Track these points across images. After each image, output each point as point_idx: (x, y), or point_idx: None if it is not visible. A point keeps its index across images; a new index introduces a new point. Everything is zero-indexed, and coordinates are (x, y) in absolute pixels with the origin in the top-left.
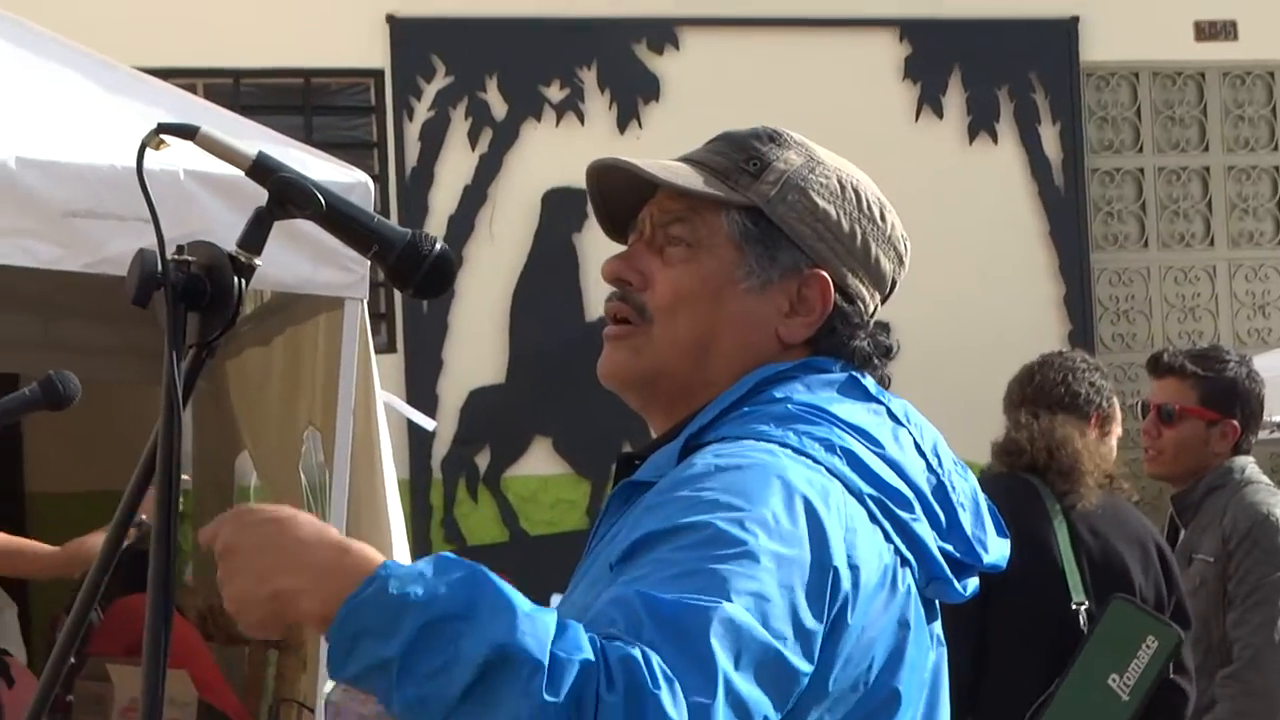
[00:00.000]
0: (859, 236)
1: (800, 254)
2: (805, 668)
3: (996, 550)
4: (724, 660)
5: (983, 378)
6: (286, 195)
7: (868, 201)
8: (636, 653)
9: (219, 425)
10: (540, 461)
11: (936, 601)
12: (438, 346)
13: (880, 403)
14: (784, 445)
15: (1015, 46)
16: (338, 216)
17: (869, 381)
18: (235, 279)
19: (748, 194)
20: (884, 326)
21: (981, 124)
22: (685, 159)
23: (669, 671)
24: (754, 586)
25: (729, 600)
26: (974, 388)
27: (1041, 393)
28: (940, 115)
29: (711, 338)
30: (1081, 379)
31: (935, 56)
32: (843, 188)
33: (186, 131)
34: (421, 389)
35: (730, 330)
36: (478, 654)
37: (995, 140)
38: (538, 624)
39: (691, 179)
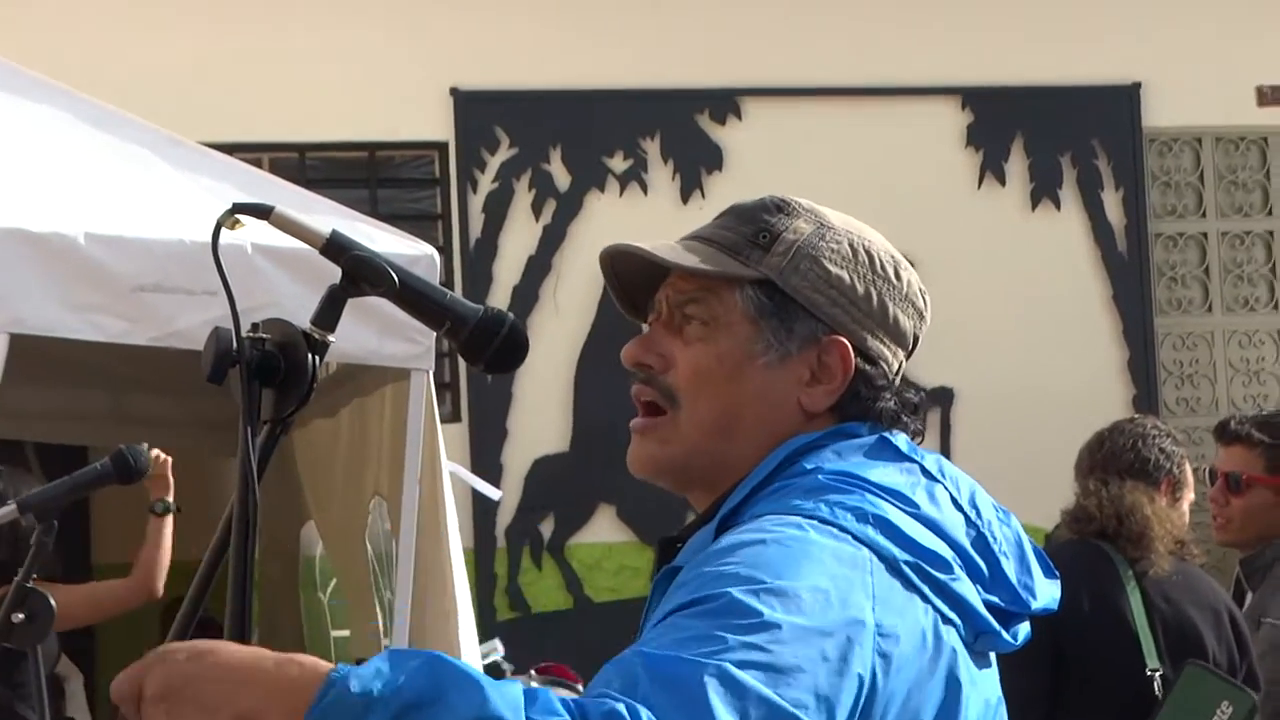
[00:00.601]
0: (875, 298)
1: (817, 322)
2: None
3: (1046, 593)
4: (724, 714)
5: (1048, 443)
6: (360, 273)
7: (881, 261)
8: (621, 707)
9: (285, 496)
10: (604, 529)
11: (992, 654)
12: (502, 415)
13: (913, 461)
14: (812, 517)
15: (1077, 112)
16: (411, 294)
17: (900, 440)
18: (310, 356)
19: (760, 268)
20: (910, 384)
21: (1044, 190)
22: (695, 236)
23: None
24: (764, 658)
25: (734, 664)
26: (1040, 453)
27: (1111, 459)
28: (1003, 182)
29: (736, 415)
30: (1151, 445)
31: (997, 123)
32: (854, 251)
33: (261, 211)
34: (486, 458)
35: (754, 406)
36: None
37: (1058, 206)
38: (506, 694)
39: (704, 258)
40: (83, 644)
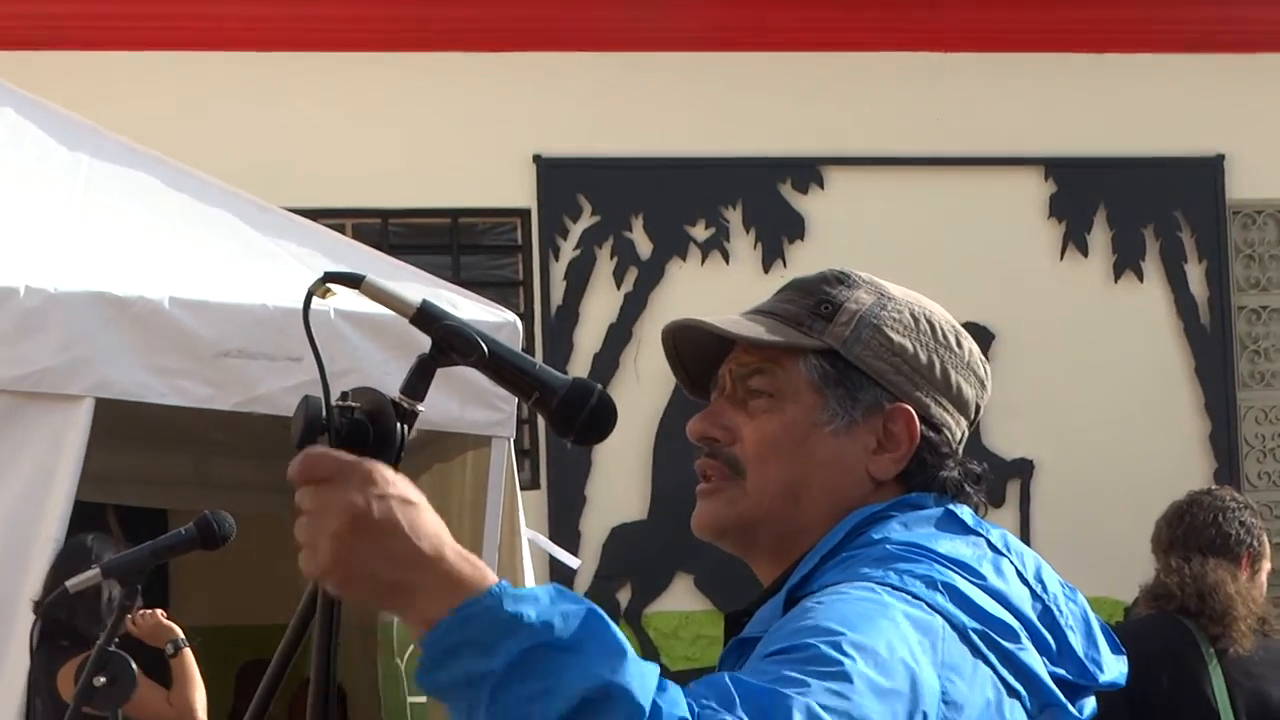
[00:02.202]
0: (938, 366)
1: (881, 390)
2: None
3: (1113, 668)
4: None
5: (1128, 516)
6: (450, 343)
7: (942, 330)
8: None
9: None
10: (682, 598)
11: None
12: (581, 483)
13: (979, 534)
14: (884, 584)
15: (1161, 184)
16: (500, 364)
17: (966, 513)
18: (399, 425)
19: (823, 338)
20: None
21: (1127, 262)
22: (758, 310)
23: None
24: (843, 705)
25: (818, 705)
26: (1120, 526)
27: (1192, 533)
28: (1085, 253)
29: (803, 483)
30: (1232, 519)
31: (1080, 194)
32: (916, 320)
33: (352, 280)
34: (565, 525)
35: (821, 474)
36: (580, 687)
37: (1141, 278)
38: (644, 673)
39: (766, 330)
40: None
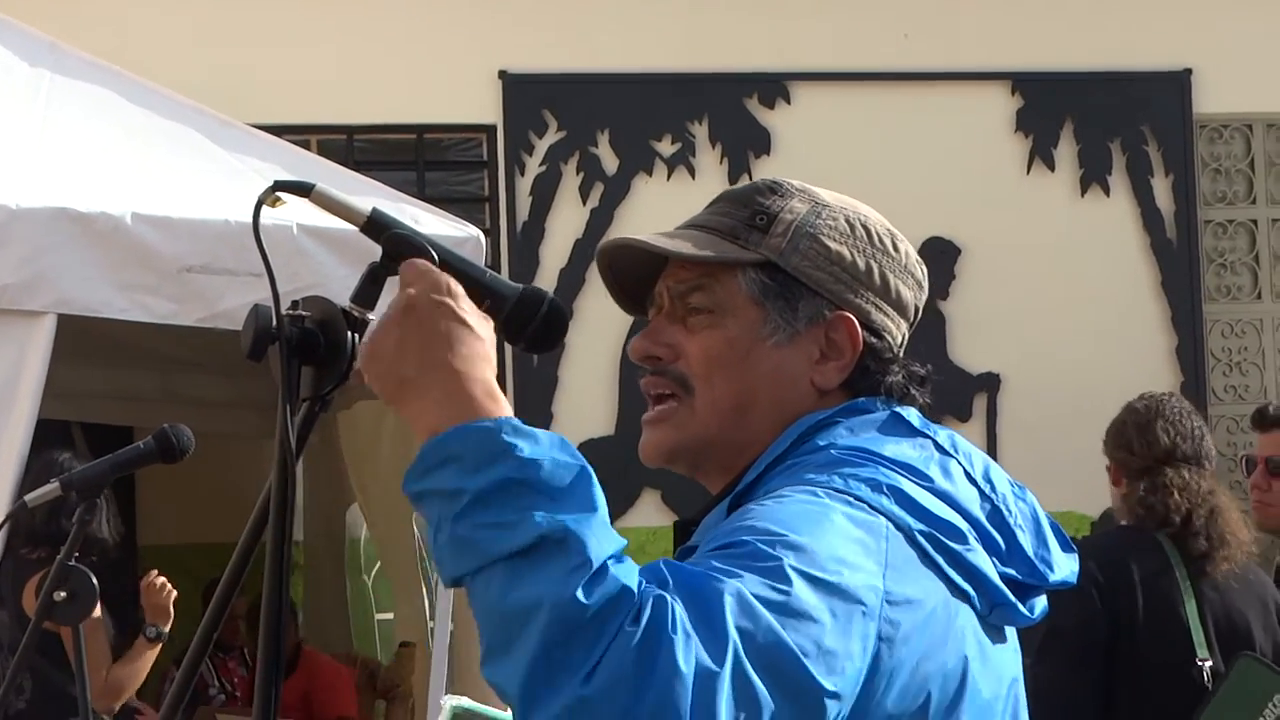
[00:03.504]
0: (876, 271)
1: (821, 300)
2: (829, 688)
3: (1064, 567)
4: (735, 636)
5: (1094, 430)
6: (400, 251)
7: (878, 234)
8: (668, 598)
9: (330, 478)
10: (650, 513)
11: (1012, 630)
12: (548, 399)
13: (926, 435)
14: (827, 488)
15: (1127, 99)
16: (451, 271)
17: (913, 415)
18: (349, 334)
19: (760, 250)
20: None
21: (1093, 176)
22: (690, 224)
23: (688, 626)
24: (779, 599)
25: (750, 593)
26: (1085, 439)
27: (1178, 445)
28: (1052, 168)
29: (749, 398)
30: (1204, 429)
31: (1047, 109)
32: (851, 226)
33: (302, 189)
34: None
35: (766, 387)
36: (541, 526)
37: (1107, 192)
38: (607, 536)
39: (701, 245)
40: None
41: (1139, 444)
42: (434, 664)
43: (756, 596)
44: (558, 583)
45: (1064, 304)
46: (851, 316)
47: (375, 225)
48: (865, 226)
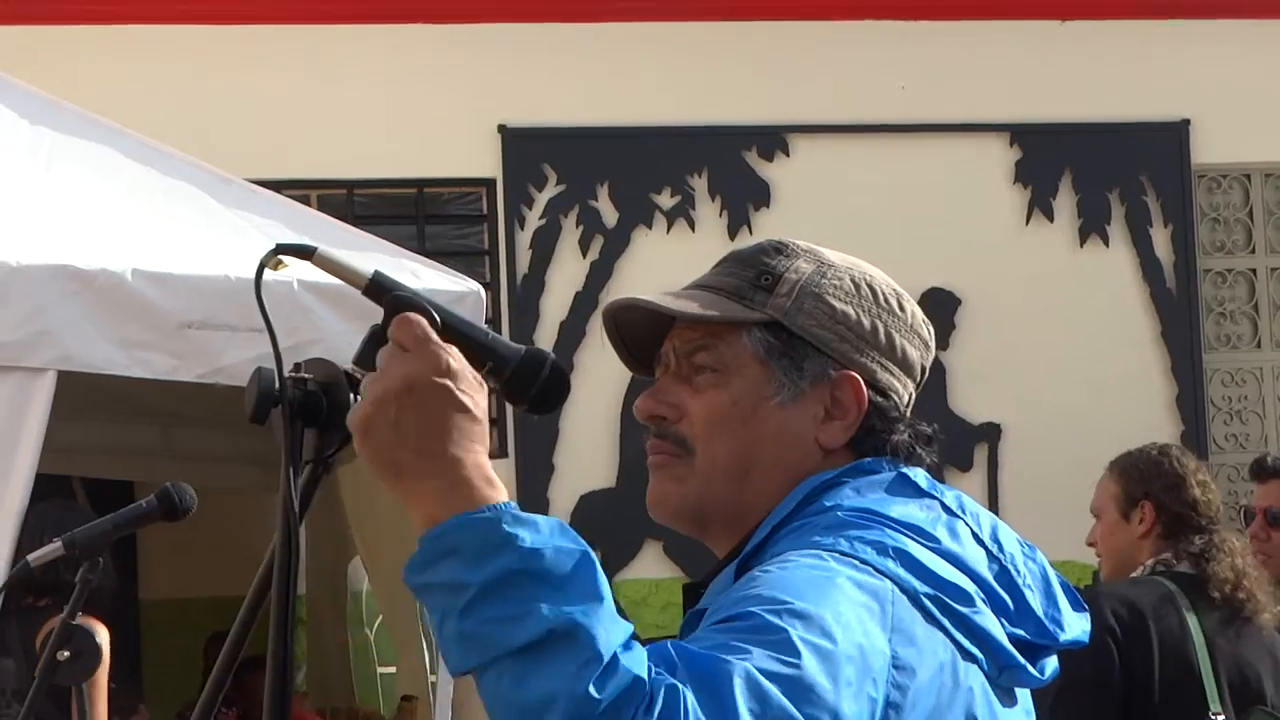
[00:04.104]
0: (881, 331)
1: (827, 359)
2: None
3: (1074, 626)
4: (746, 716)
5: (1095, 479)
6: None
7: (884, 294)
8: (679, 686)
9: (332, 531)
10: (651, 565)
11: (1024, 691)
12: (549, 452)
13: (933, 496)
14: (834, 551)
15: (1126, 149)
16: (452, 334)
17: (919, 476)
18: (351, 396)
19: (765, 310)
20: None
21: (1093, 227)
22: (697, 285)
23: (700, 713)
24: (787, 671)
25: (759, 671)
26: (1087, 491)
27: (1202, 503)
28: (1051, 219)
29: (752, 458)
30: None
31: (1046, 160)
32: (857, 286)
33: (304, 252)
34: (533, 494)
35: (770, 447)
36: (549, 620)
37: (1107, 243)
38: (615, 625)
39: (707, 305)
40: (126, 673)
41: (1203, 502)
42: (437, 717)
43: (766, 673)
44: (569, 678)
45: (1064, 354)
46: (857, 376)
47: (377, 288)
48: (871, 286)
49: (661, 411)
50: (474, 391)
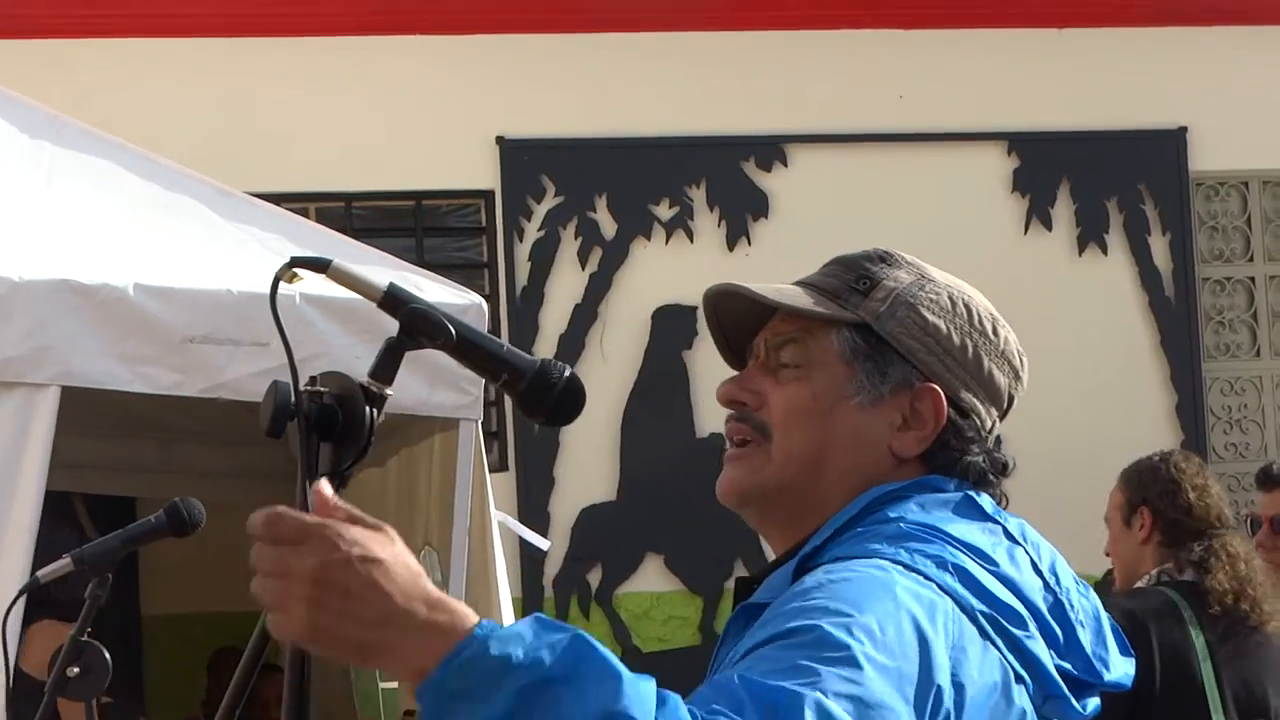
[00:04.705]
0: (970, 350)
1: (911, 369)
2: None
3: (1119, 668)
4: None
5: (1095, 490)
6: (417, 326)
7: (979, 316)
8: None
9: None
10: (652, 579)
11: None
12: (549, 465)
13: (996, 522)
14: (895, 562)
15: (1124, 158)
16: (468, 347)
17: (985, 500)
18: (367, 409)
19: (858, 311)
20: (999, 441)
21: (1091, 235)
22: (799, 283)
23: None
24: (853, 690)
25: (825, 694)
26: (1086, 501)
27: (1206, 511)
28: (1049, 227)
29: (825, 454)
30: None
31: (1044, 169)
32: (953, 303)
33: (319, 265)
34: (534, 507)
35: (843, 446)
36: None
37: (1105, 251)
38: (641, 692)
39: (803, 300)
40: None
41: (1198, 506)
42: None
43: (835, 694)
44: None
45: (1063, 363)
46: (938, 389)
47: (393, 300)
48: (968, 306)
49: (743, 398)
50: (364, 540)
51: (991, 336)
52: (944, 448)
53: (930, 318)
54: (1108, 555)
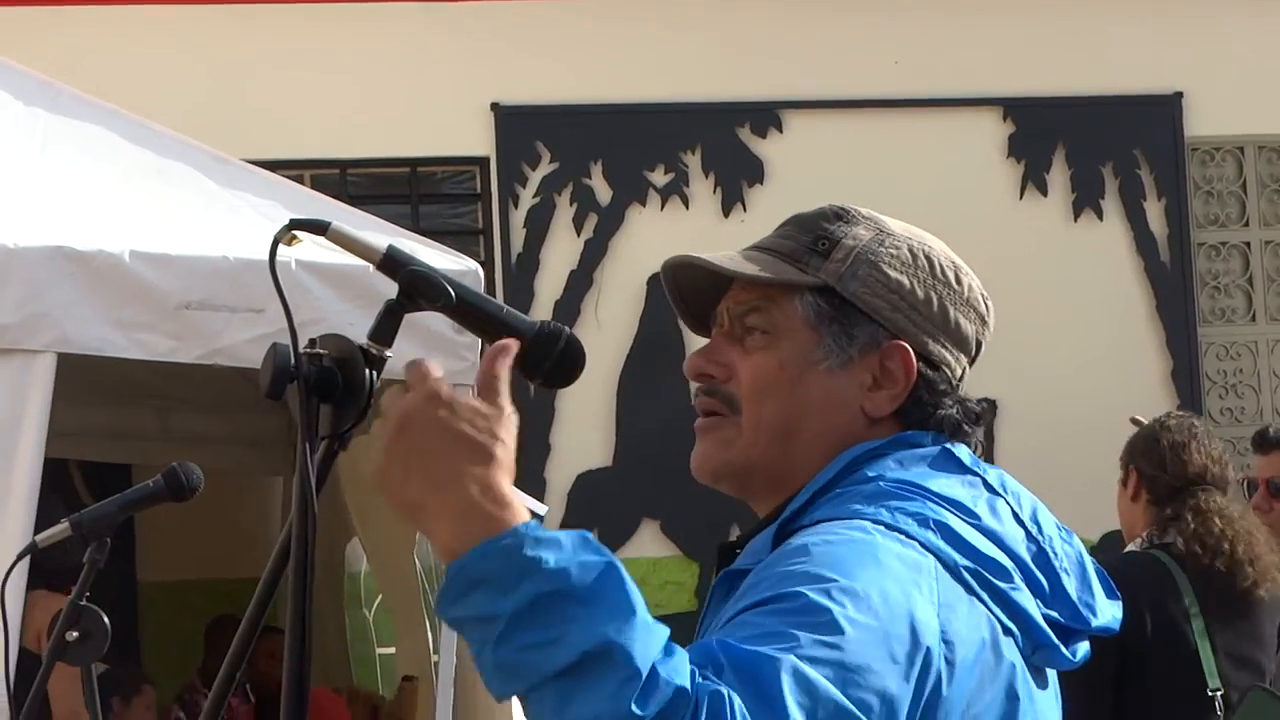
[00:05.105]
0: (935, 302)
1: (878, 327)
2: None
3: (1106, 612)
4: (796, 712)
5: (1091, 453)
6: (417, 288)
7: (941, 266)
8: (724, 691)
9: (329, 513)
10: (648, 544)
11: (1052, 671)
12: (545, 431)
13: (976, 474)
14: (876, 522)
15: (1119, 123)
16: (468, 308)
17: (963, 452)
18: (367, 371)
19: (819, 274)
20: (991, 402)
21: (1086, 201)
22: (756, 247)
23: (747, 716)
24: (834, 655)
25: (806, 661)
26: (1084, 465)
27: (1204, 470)
28: (1044, 193)
29: (797, 421)
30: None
31: (1039, 134)
32: (914, 256)
33: (318, 227)
34: (530, 473)
35: (816, 412)
36: (583, 642)
37: (1100, 217)
38: (650, 635)
39: (764, 267)
40: (126, 654)
41: (1173, 463)
42: (439, 698)
43: (813, 660)
44: (610, 698)
45: (1059, 329)
46: (907, 345)
47: (391, 262)
48: (929, 257)
49: (711, 370)
50: (475, 418)
51: (955, 285)
52: (917, 403)
53: (892, 274)
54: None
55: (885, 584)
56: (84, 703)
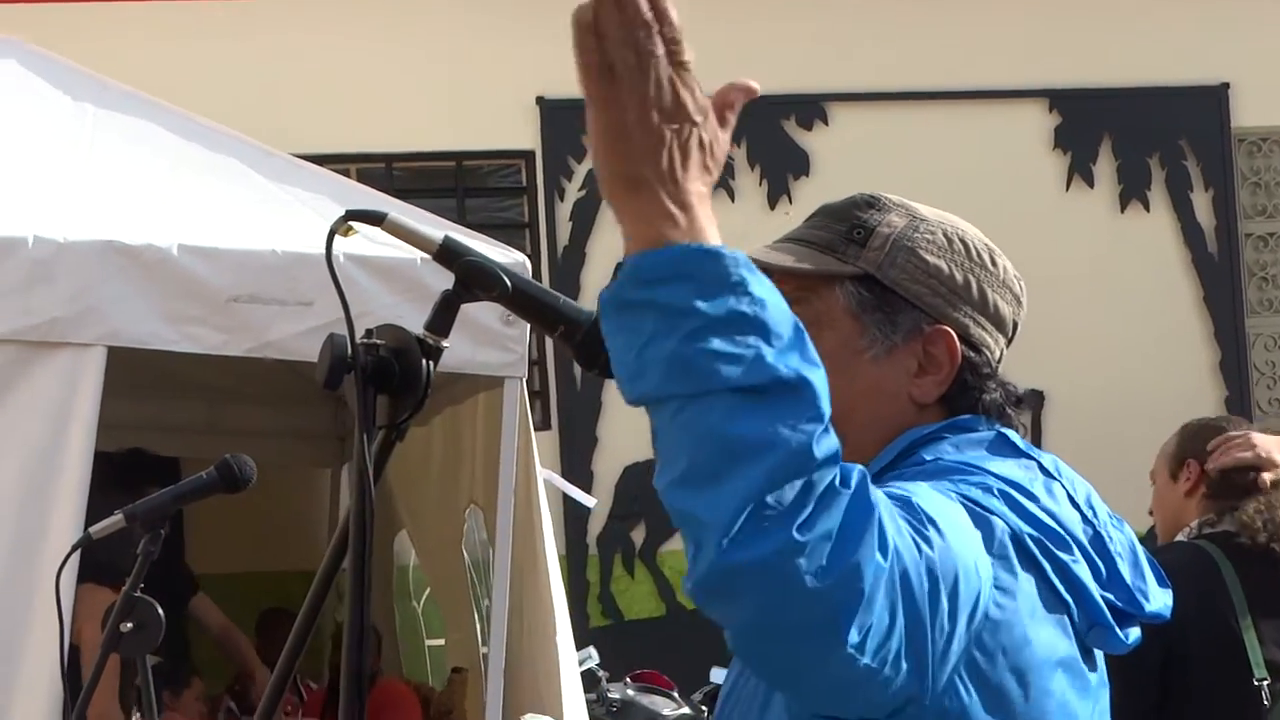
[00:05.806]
0: (974, 285)
1: (919, 313)
2: (939, 647)
3: (1158, 599)
4: (910, 535)
5: (1138, 444)
6: (473, 278)
7: (976, 250)
8: (854, 476)
9: (377, 505)
10: None
11: (1101, 656)
12: (592, 423)
13: (1030, 458)
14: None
15: (1166, 114)
16: (524, 298)
17: (1015, 437)
18: (424, 361)
19: (858, 263)
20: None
21: (1133, 192)
22: (789, 238)
23: (879, 507)
24: (920, 532)
25: (899, 522)
26: (1131, 456)
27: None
28: (1091, 184)
29: (847, 413)
30: None
31: (1085, 126)
32: (949, 240)
33: (375, 218)
34: (577, 465)
35: (865, 400)
36: (778, 369)
37: (1147, 208)
38: (827, 395)
39: (801, 258)
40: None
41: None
42: (489, 689)
43: (898, 530)
44: (793, 428)
45: (1106, 320)
46: (950, 330)
47: (448, 253)
48: (963, 241)
49: None
50: (709, 121)
51: (990, 267)
52: (962, 387)
53: (930, 259)
54: (1151, 514)
55: (957, 521)
56: (116, 700)
